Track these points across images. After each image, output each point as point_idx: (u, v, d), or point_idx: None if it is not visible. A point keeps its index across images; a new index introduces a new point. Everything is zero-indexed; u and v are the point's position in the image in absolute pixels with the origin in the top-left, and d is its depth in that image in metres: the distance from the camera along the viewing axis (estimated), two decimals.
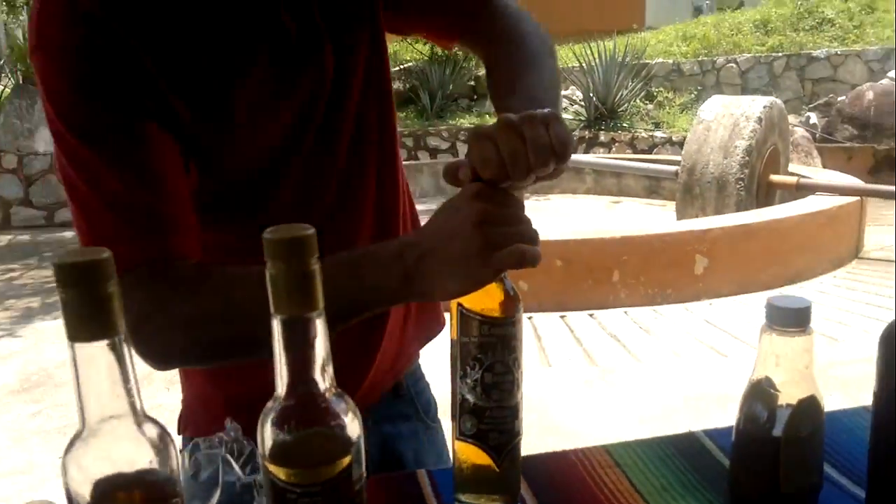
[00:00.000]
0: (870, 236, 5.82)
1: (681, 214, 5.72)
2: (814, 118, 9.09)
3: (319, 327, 0.50)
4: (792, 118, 8.94)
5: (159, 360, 0.78)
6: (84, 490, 0.46)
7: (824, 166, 7.89)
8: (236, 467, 0.66)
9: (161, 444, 0.48)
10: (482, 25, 1.01)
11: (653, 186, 8.11)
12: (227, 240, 0.86)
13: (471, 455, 0.71)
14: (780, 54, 10.17)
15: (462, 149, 9.89)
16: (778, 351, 0.69)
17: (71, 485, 0.46)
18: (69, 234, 7.54)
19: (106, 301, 0.46)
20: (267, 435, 0.52)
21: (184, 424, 1.06)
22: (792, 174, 6.08)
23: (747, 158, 5.48)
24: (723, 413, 3.07)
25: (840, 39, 10.31)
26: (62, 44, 0.77)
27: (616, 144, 9.41)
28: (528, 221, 0.68)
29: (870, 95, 8.67)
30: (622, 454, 0.83)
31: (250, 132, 0.85)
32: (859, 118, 8.64)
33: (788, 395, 0.70)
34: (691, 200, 5.69)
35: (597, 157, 8.59)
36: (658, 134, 9.40)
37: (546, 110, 0.69)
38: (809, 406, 0.70)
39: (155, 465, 0.47)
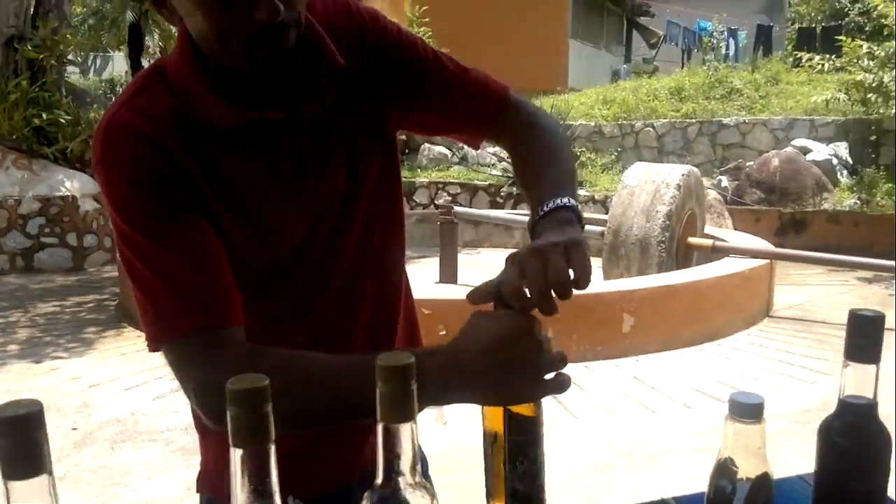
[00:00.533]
0: (779, 296, 6.26)
1: (607, 274, 6.02)
2: (725, 181, 9.70)
3: (414, 432, 0.65)
4: (705, 181, 9.51)
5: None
6: None
7: (735, 227, 8.42)
8: None
9: None
10: (503, 125, 1.15)
11: None
12: (251, 320, 0.99)
13: None
14: (693, 120, 10.83)
15: None
16: (738, 437, 0.87)
17: None
18: None
19: (38, 446, 0.57)
20: (367, 499, 0.66)
21: (203, 484, 1.16)
22: (708, 236, 6.49)
23: (668, 222, 5.84)
24: (654, 468, 3.28)
25: (748, 108, 11.07)
26: (126, 157, 0.92)
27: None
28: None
29: (775, 162, 9.32)
30: None
31: (272, 233, 1.01)
32: (766, 183, 9.26)
33: (746, 472, 0.87)
34: (617, 261, 6.01)
35: (521, 214, 8.91)
36: (581, 192, 9.82)
37: (568, 238, 0.86)
38: (763, 481, 0.87)
39: None
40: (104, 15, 14.91)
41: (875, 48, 8.64)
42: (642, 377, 4.48)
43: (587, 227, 7.59)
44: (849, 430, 0.80)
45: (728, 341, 5.24)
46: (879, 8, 8.81)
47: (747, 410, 0.86)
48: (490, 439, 0.87)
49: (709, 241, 6.22)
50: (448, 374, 0.85)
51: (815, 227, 8.67)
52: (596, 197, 9.59)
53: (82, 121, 8.63)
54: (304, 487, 1.04)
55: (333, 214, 1.04)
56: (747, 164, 9.84)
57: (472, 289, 0.89)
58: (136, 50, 14.87)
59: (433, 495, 0.68)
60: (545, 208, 0.97)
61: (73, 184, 8.23)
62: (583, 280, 0.84)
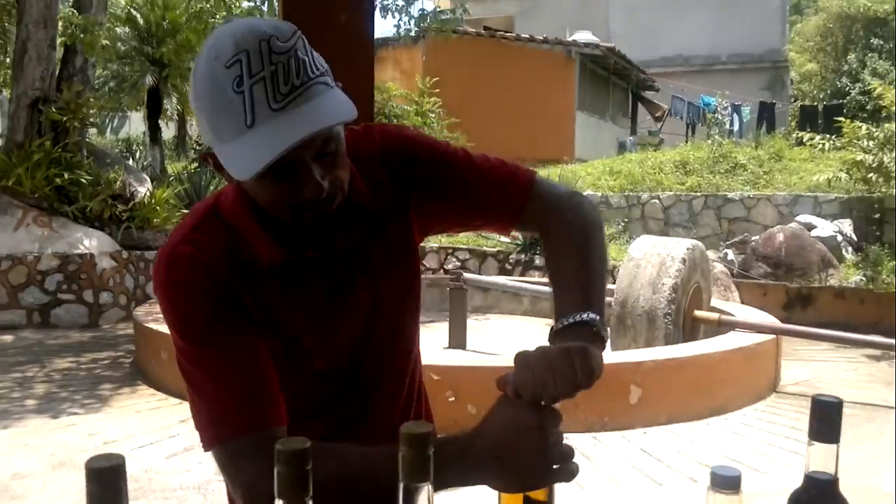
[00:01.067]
0: (786, 371, 6.33)
1: (614, 345, 6.11)
2: (731, 254, 9.85)
3: (430, 492, 0.77)
4: (711, 253, 9.67)
5: None
6: None
7: (742, 300, 8.53)
8: None
9: None
10: (530, 216, 1.22)
11: None
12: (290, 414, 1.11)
13: None
14: (698, 194, 11.06)
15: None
16: None
17: None
18: (8, 337, 7.45)
19: (121, 493, 0.71)
20: None
21: None
22: (714, 310, 6.60)
23: (674, 295, 5.96)
24: None
25: (752, 183, 11.30)
26: (187, 282, 1.06)
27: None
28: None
29: (780, 237, 9.49)
30: None
31: (306, 352, 1.14)
32: (772, 257, 9.41)
33: None
34: (624, 331, 6.11)
35: (532, 281, 9.03)
36: None
37: (578, 345, 0.97)
38: None
39: None
40: (124, 78, 15.43)
41: (874, 129, 8.89)
42: (649, 449, 4.54)
43: None
44: (813, 502, 0.92)
45: (735, 416, 5.29)
46: (877, 90, 9.10)
47: (726, 483, 0.97)
48: None
49: (715, 315, 6.32)
50: (464, 461, 0.96)
51: (821, 302, 8.77)
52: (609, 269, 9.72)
53: (102, 180, 8.89)
54: None
55: (358, 329, 1.17)
56: (753, 238, 10.00)
57: (501, 375, 1.00)
58: (154, 112, 15.34)
59: None
60: (565, 322, 1.06)
61: (91, 242, 8.42)
62: (584, 384, 0.95)
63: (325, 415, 1.18)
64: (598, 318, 1.06)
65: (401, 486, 0.77)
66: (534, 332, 7.90)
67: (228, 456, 1.03)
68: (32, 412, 5.11)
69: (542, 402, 0.95)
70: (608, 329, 1.09)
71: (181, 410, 5.03)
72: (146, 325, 6.05)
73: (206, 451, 1.06)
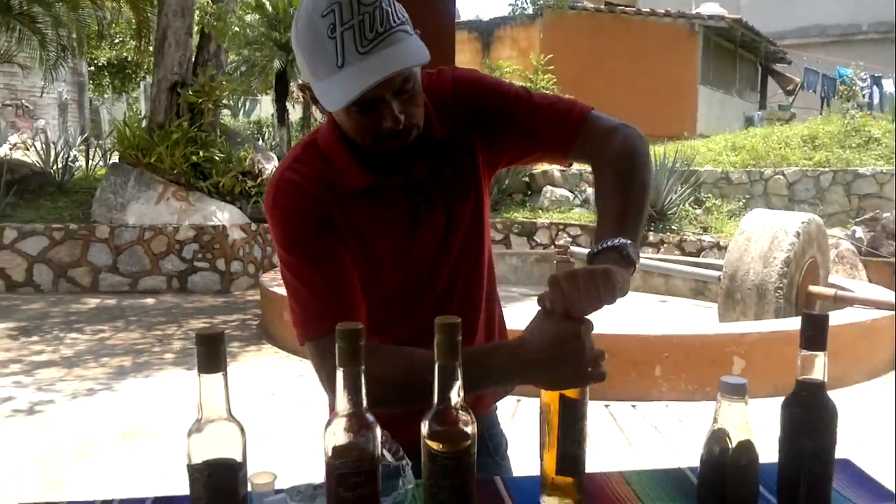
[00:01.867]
0: None
1: (723, 318, 6.05)
2: (860, 232, 9.37)
3: (459, 371, 0.95)
4: (838, 231, 9.25)
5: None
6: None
7: (869, 280, 8.14)
8: (388, 456, 1.09)
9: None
10: (582, 145, 1.35)
11: (699, 288, 8.45)
12: (372, 323, 1.32)
13: (564, 482, 1.15)
14: (826, 169, 10.55)
15: (514, 240, 10.43)
16: (726, 411, 1.11)
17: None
18: (150, 300, 8.19)
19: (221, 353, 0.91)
20: (426, 424, 0.96)
21: None
22: (831, 286, 6.38)
23: (786, 269, 5.82)
24: None
25: (886, 158, 10.66)
26: (290, 205, 1.29)
27: (664, 246, 9.80)
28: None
29: None
30: (632, 477, 1.25)
31: (387, 265, 1.34)
32: None
33: (733, 438, 1.11)
34: (733, 305, 6.03)
35: (645, 258, 8.98)
36: (706, 238, 9.77)
37: (603, 267, 1.12)
38: (746, 446, 1.10)
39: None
40: (254, 63, 16.27)
41: None
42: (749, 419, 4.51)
43: (706, 271, 7.56)
44: (802, 402, 1.03)
45: (846, 392, 5.15)
46: None
47: (734, 390, 1.11)
48: (545, 410, 1.15)
49: (831, 291, 6.12)
50: (511, 364, 1.15)
51: None
52: (721, 243, 9.51)
53: (234, 158, 9.53)
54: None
55: (435, 249, 1.37)
56: (884, 215, 9.47)
57: (541, 293, 1.16)
58: (281, 94, 16.10)
59: (471, 416, 0.97)
60: (599, 248, 1.21)
61: (223, 214, 9.08)
62: (607, 300, 1.10)
63: (403, 326, 1.38)
64: (628, 242, 1.20)
65: (437, 364, 0.96)
66: (646, 308, 7.87)
67: (316, 350, 1.25)
68: (170, 364, 5.67)
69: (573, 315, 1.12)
70: (639, 252, 1.22)
71: (301, 367, 5.45)
72: (271, 289, 6.53)
73: (300, 345, 1.30)
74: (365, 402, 0.94)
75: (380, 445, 0.97)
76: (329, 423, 0.94)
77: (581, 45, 16.22)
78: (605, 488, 1.21)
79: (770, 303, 5.85)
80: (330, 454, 0.94)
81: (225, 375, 0.94)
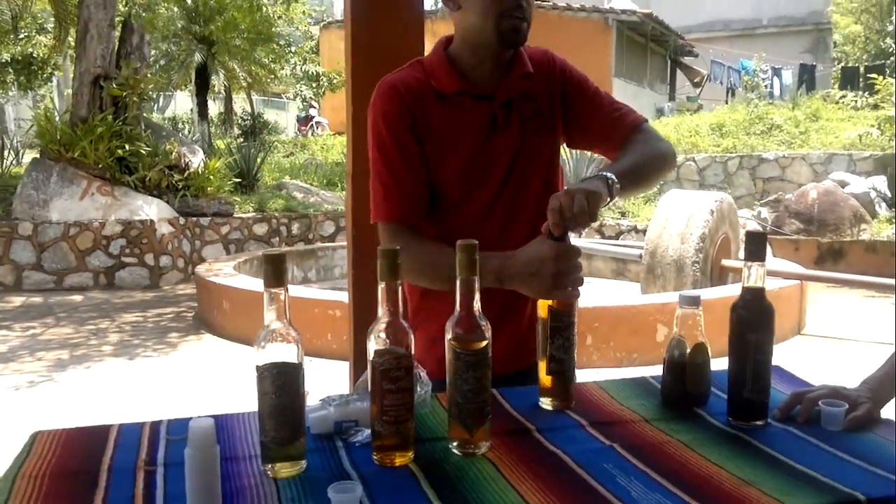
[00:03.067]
0: (811, 317, 6.59)
1: (645, 291, 6.44)
2: (765, 213, 10.03)
3: (476, 284, 1.16)
4: (745, 212, 9.87)
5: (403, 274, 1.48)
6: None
7: (774, 256, 8.74)
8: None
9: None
10: (631, 143, 1.60)
11: (619, 269, 8.89)
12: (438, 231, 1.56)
13: (551, 382, 1.37)
14: (733, 155, 11.21)
15: None
16: (684, 319, 1.35)
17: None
18: (78, 297, 8.06)
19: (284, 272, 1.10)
20: (450, 329, 1.16)
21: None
22: (741, 260, 6.87)
23: (702, 244, 6.26)
24: None
25: (788, 144, 11.41)
26: (384, 106, 1.55)
27: (585, 230, 10.23)
28: (577, 268, 1.35)
29: (813, 194, 9.64)
30: (605, 385, 1.49)
31: (461, 167, 1.56)
32: (804, 214, 9.57)
33: (689, 343, 1.36)
34: (653, 280, 6.43)
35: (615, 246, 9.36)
36: (624, 222, 10.25)
37: (584, 187, 1.35)
38: (700, 348, 1.35)
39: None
40: (173, 56, 16.01)
41: None
42: None
43: (628, 249, 7.99)
44: (746, 304, 1.29)
45: None
46: None
47: (690, 301, 1.35)
48: (540, 321, 1.37)
49: (741, 263, 6.58)
50: (499, 271, 1.39)
51: (852, 256, 8.93)
52: (638, 227, 10.00)
53: (160, 152, 9.42)
54: (511, 361, 1.55)
55: (504, 166, 1.56)
56: (786, 196, 10.16)
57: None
58: (202, 89, 15.90)
59: (487, 322, 1.18)
60: (589, 174, 1.45)
61: (150, 209, 8.98)
62: (588, 210, 1.32)
63: (450, 222, 1.57)
64: (613, 176, 1.44)
65: (458, 278, 1.16)
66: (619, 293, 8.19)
67: (384, 231, 1.56)
68: (109, 356, 5.66)
69: (561, 234, 1.34)
70: (618, 187, 1.45)
71: (242, 352, 5.54)
72: (209, 279, 6.56)
73: (372, 222, 1.58)
74: (401, 309, 1.14)
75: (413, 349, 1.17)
76: (371, 329, 1.14)
77: None
78: (584, 394, 1.44)
79: (688, 276, 6.27)
80: (373, 355, 1.13)
81: (287, 290, 1.12)
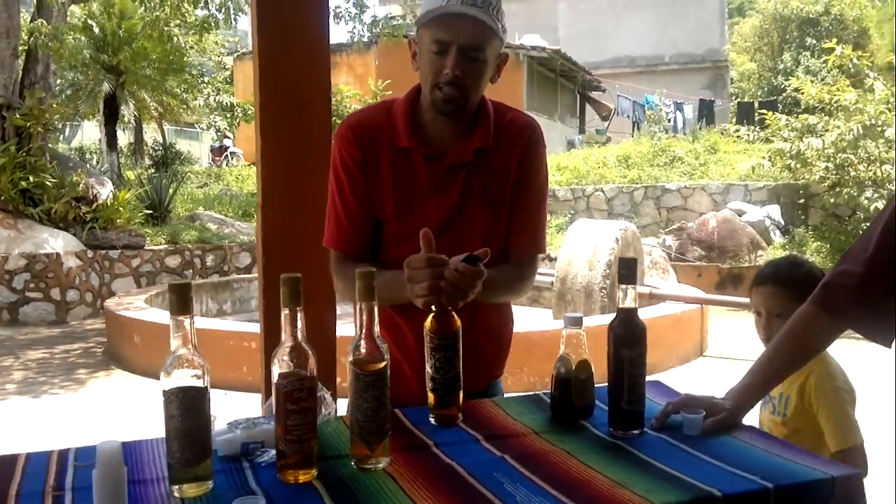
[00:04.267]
0: (712, 339, 6.93)
1: (556, 317, 6.65)
2: (669, 240, 10.49)
3: (375, 310, 1.25)
4: (651, 240, 10.29)
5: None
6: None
7: (678, 281, 9.14)
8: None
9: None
10: (510, 256, 1.70)
11: (534, 296, 9.10)
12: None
13: (432, 398, 1.46)
14: (639, 185, 11.70)
15: None
16: (569, 339, 1.48)
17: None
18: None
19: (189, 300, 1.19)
20: (350, 349, 1.25)
21: None
22: (646, 286, 7.18)
23: (608, 271, 6.52)
24: None
25: (689, 175, 11.98)
26: (340, 140, 1.67)
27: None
28: (428, 276, 1.41)
29: (713, 223, 10.15)
30: (499, 401, 1.60)
31: (393, 220, 1.66)
32: (705, 241, 10.07)
33: (574, 360, 1.48)
34: (564, 305, 6.65)
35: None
36: None
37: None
38: (584, 365, 1.48)
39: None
40: (80, 86, 15.60)
41: (793, 120, 9.58)
42: None
43: (540, 277, 8.21)
44: (621, 323, 1.42)
45: (663, 376, 5.82)
46: (795, 84, 9.82)
47: (573, 322, 1.48)
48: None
49: (647, 289, 6.89)
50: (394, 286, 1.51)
51: (750, 280, 9.38)
52: (551, 255, 10.28)
53: (66, 184, 9.17)
54: (465, 383, 1.58)
55: (435, 226, 1.54)
56: (688, 224, 10.66)
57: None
58: (111, 119, 15.52)
59: (386, 347, 1.27)
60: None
61: (57, 242, 8.71)
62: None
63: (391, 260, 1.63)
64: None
65: (358, 304, 1.25)
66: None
67: (331, 256, 1.69)
68: (14, 394, 5.45)
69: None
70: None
71: (154, 387, 5.43)
72: (118, 313, 6.41)
73: (323, 245, 1.70)
74: (301, 334, 1.22)
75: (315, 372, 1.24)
76: (275, 353, 1.21)
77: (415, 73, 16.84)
78: (480, 410, 1.55)
79: (596, 301, 6.52)
80: (277, 378, 1.21)
81: (192, 318, 1.18)
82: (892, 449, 2.61)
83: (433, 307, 1.45)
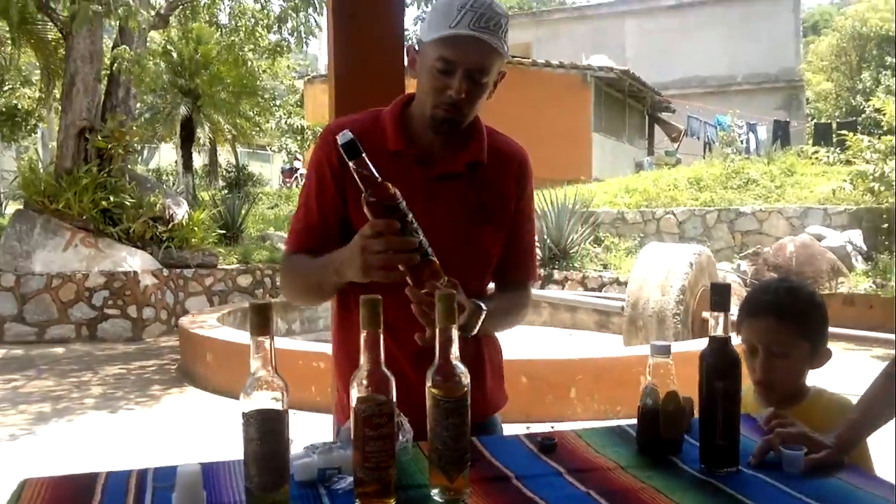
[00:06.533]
0: None
1: (627, 343, 6.50)
2: (744, 265, 10.18)
3: (455, 333, 1.21)
4: (725, 265, 10.00)
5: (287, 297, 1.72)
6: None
7: None
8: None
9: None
10: (505, 284, 1.70)
11: (603, 321, 8.95)
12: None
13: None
14: (712, 208, 11.41)
15: None
16: (656, 368, 1.41)
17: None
18: (60, 349, 7.99)
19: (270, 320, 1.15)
20: (430, 377, 1.20)
21: (338, 415, 1.71)
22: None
23: (682, 297, 6.34)
24: None
25: (764, 197, 11.64)
26: (320, 144, 1.63)
27: (568, 282, 10.31)
28: (390, 244, 1.33)
29: (791, 247, 9.81)
30: (583, 433, 1.53)
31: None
32: (783, 267, 9.72)
33: (662, 391, 1.41)
34: (636, 331, 6.49)
35: (553, 293, 9.44)
36: (606, 274, 10.35)
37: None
38: (672, 396, 1.40)
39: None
40: (158, 109, 16.18)
41: (876, 141, 9.21)
42: None
43: (610, 301, 8.08)
44: (713, 352, 1.34)
45: None
46: (874, 104, 9.44)
47: (661, 350, 1.41)
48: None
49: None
50: (335, 263, 1.49)
51: (831, 309, 8.78)
52: (620, 279, 10.09)
53: (144, 204, 9.47)
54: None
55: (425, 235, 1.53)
56: (764, 249, 10.33)
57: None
58: (187, 141, 16.04)
59: (466, 372, 1.22)
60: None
61: (134, 260, 8.98)
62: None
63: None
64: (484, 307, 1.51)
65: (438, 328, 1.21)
66: (550, 339, 8.27)
67: (283, 261, 1.68)
68: (91, 409, 5.61)
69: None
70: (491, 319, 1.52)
71: (227, 403, 5.51)
72: (192, 331, 6.55)
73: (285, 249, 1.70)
74: (383, 358, 1.18)
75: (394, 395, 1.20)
76: (354, 377, 1.18)
77: None
78: (562, 443, 1.48)
79: (669, 328, 6.34)
80: (355, 402, 1.17)
81: (272, 339, 1.16)
82: (891, 449, 2.45)
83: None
